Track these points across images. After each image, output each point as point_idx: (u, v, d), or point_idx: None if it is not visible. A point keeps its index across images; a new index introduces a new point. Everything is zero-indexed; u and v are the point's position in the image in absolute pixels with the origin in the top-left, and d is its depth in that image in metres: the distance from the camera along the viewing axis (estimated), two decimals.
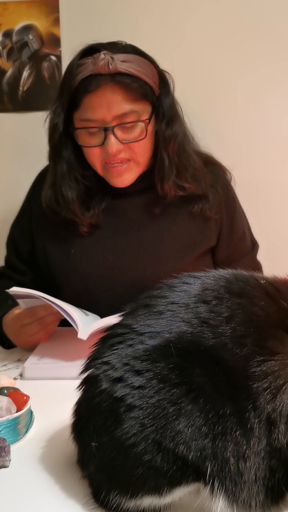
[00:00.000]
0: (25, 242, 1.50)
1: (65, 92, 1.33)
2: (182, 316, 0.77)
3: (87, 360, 0.82)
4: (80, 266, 1.42)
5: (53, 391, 1.12)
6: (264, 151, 1.67)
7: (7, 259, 1.55)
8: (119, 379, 0.74)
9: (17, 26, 1.69)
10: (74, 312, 1.25)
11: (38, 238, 1.48)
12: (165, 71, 1.39)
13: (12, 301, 1.38)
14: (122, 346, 0.77)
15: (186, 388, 0.71)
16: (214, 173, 1.47)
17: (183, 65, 1.51)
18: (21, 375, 1.22)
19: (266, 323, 0.76)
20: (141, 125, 1.32)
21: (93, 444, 0.74)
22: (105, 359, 0.77)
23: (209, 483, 0.69)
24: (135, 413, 0.71)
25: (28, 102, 1.73)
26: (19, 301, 1.34)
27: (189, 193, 1.40)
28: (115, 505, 0.73)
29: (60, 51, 1.69)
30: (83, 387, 0.80)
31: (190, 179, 1.39)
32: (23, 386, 1.03)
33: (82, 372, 0.81)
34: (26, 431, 0.96)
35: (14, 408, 0.95)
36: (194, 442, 0.69)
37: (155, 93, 1.36)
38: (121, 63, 1.28)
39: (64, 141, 1.37)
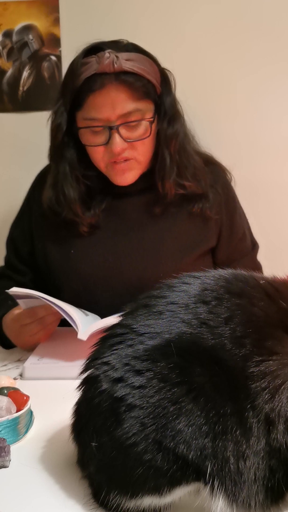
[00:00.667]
0: (25, 242, 1.50)
1: (68, 91, 1.33)
2: (182, 316, 0.77)
3: (87, 360, 0.82)
4: (80, 266, 1.42)
5: (53, 391, 1.12)
6: (264, 151, 1.67)
7: (7, 259, 1.55)
8: (119, 379, 0.74)
9: (17, 26, 1.69)
10: (74, 313, 1.25)
11: (38, 238, 1.48)
12: (166, 69, 1.39)
13: (12, 301, 1.38)
14: (122, 346, 0.77)
15: (186, 387, 0.71)
16: (214, 173, 1.47)
17: (183, 65, 1.51)
18: (21, 375, 1.22)
19: (266, 323, 0.76)
20: (144, 123, 1.33)
21: (93, 444, 0.74)
22: (105, 360, 0.77)
23: (209, 483, 0.69)
24: (136, 413, 0.71)
25: (28, 102, 1.73)
26: (19, 301, 1.34)
27: (189, 192, 1.40)
28: (115, 505, 0.73)
29: (60, 51, 1.69)
30: (83, 387, 0.80)
31: (191, 178, 1.39)
32: (23, 386, 1.03)
33: (82, 372, 0.81)
34: (26, 431, 0.96)
35: (14, 408, 0.95)
36: (194, 441, 0.69)
37: (157, 92, 1.36)
38: (126, 62, 1.28)
39: (67, 141, 1.37)
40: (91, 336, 1.20)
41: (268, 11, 1.61)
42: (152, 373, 0.72)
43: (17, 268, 1.51)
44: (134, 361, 0.74)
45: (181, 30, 1.64)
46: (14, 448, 0.91)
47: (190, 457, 0.69)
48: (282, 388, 0.71)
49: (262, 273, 1.33)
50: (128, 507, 0.73)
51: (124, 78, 1.28)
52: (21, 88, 1.72)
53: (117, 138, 1.30)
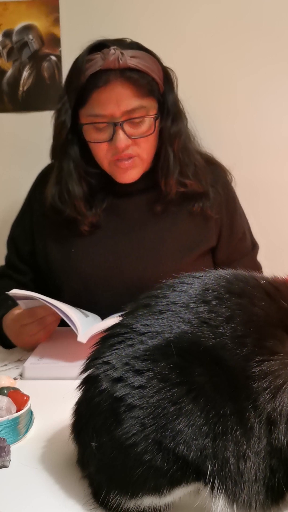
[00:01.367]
0: (26, 241, 1.50)
1: (73, 88, 1.32)
2: (182, 316, 0.77)
3: (87, 360, 0.82)
4: (80, 266, 1.42)
5: (53, 391, 1.12)
6: (264, 151, 1.67)
7: (8, 258, 1.55)
8: (119, 379, 0.73)
9: (17, 26, 1.69)
10: (74, 315, 1.25)
11: (39, 237, 1.48)
12: (168, 68, 1.40)
13: (12, 301, 1.38)
14: (122, 346, 0.77)
15: (186, 387, 0.71)
16: (214, 173, 1.47)
17: (183, 65, 1.51)
18: (21, 375, 1.22)
19: (266, 323, 0.76)
20: (149, 120, 1.33)
21: (93, 444, 0.74)
22: (105, 359, 0.77)
23: (209, 483, 0.69)
24: (135, 413, 0.71)
25: (28, 102, 1.73)
26: (19, 302, 1.34)
27: (190, 190, 1.40)
28: (115, 505, 0.73)
29: (60, 51, 1.69)
30: (83, 387, 0.80)
31: (192, 176, 1.40)
32: (23, 386, 1.03)
33: (82, 372, 0.81)
34: (26, 431, 0.96)
35: (14, 408, 0.95)
36: (194, 441, 0.69)
37: (160, 90, 1.36)
38: (131, 59, 1.28)
39: (70, 138, 1.37)
40: (91, 337, 1.20)
41: (268, 11, 1.61)
42: (152, 373, 0.72)
43: (17, 267, 1.51)
44: (134, 361, 0.74)
45: (181, 30, 1.64)
46: (14, 448, 0.91)
47: (190, 457, 0.69)
48: (283, 387, 0.71)
49: (262, 273, 1.33)
50: (128, 507, 0.73)
51: (129, 74, 1.28)
52: (21, 88, 1.72)
53: (121, 135, 1.30)
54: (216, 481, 0.69)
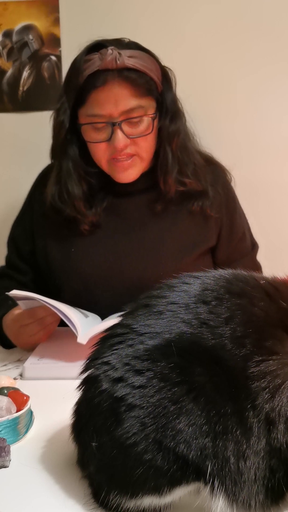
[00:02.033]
0: (26, 241, 1.50)
1: (71, 88, 1.33)
2: (182, 316, 0.77)
3: (87, 360, 0.82)
4: (80, 266, 1.42)
5: (53, 391, 1.12)
6: (264, 151, 1.67)
7: (8, 258, 1.56)
8: (119, 379, 0.74)
9: (17, 26, 1.69)
10: (73, 316, 1.25)
11: (39, 237, 1.48)
12: (167, 67, 1.40)
13: (12, 301, 1.38)
14: (122, 346, 0.77)
15: (186, 387, 0.71)
16: (214, 173, 1.47)
17: (183, 65, 1.51)
18: (21, 375, 1.22)
19: (266, 323, 0.76)
20: (147, 120, 1.33)
21: (93, 444, 0.74)
22: (105, 359, 0.77)
23: (209, 483, 0.69)
24: (136, 413, 0.71)
25: (28, 102, 1.73)
26: (19, 302, 1.34)
27: (189, 189, 1.40)
28: (115, 505, 0.73)
29: (60, 51, 1.69)
30: (83, 387, 0.80)
31: (191, 175, 1.40)
32: (23, 386, 1.03)
33: (82, 372, 0.81)
34: (26, 431, 0.96)
35: (14, 408, 0.95)
36: (194, 441, 0.69)
37: (158, 89, 1.37)
38: (128, 59, 1.28)
39: (69, 138, 1.37)
40: (91, 338, 1.20)
41: (268, 11, 1.61)
42: (152, 372, 0.72)
43: (18, 267, 1.51)
44: (134, 361, 0.74)
45: (181, 30, 1.64)
46: (14, 448, 0.91)
47: (190, 457, 0.69)
48: (282, 387, 0.71)
49: (262, 273, 1.33)
50: (128, 507, 0.73)
51: (127, 74, 1.29)
52: (21, 88, 1.72)
53: (119, 134, 1.30)
54: (216, 481, 0.69)
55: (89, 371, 0.79)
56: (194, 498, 0.72)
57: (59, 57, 1.69)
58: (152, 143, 1.38)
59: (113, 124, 1.30)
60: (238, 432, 0.69)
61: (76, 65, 1.32)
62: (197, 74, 1.64)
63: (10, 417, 0.93)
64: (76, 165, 1.39)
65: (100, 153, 1.35)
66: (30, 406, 0.98)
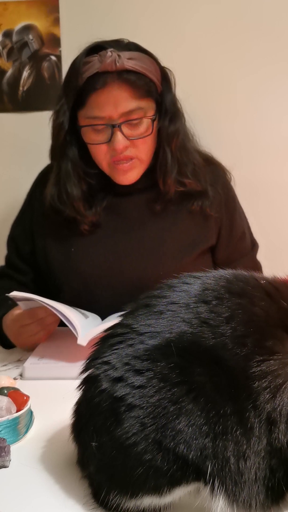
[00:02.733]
0: (26, 241, 1.50)
1: (71, 90, 1.33)
2: (182, 316, 0.77)
3: (87, 360, 0.82)
4: (80, 265, 1.42)
5: (53, 391, 1.12)
6: (264, 151, 1.67)
7: (8, 258, 1.55)
8: (119, 379, 0.73)
9: (17, 26, 1.69)
10: (73, 317, 1.25)
11: (39, 237, 1.48)
12: (166, 68, 1.40)
13: (12, 301, 1.38)
14: (122, 346, 0.77)
15: (186, 387, 0.71)
16: (214, 173, 1.47)
17: (183, 65, 1.51)
18: (21, 375, 1.22)
19: (266, 323, 0.76)
20: (147, 121, 1.33)
21: (93, 444, 0.74)
22: (105, 359, 0.77)
23: (209, 483, 0.69)
24: (136, 413, 0.71)
25: (28, 102, 1.73)
26: (19, 302, 1.34)
27: (189, 189, 1.40)
28: (115, 505, 0.73)
29: (60, 51, 1.69)
30: (83, 387, 0.80)
31: (190, 175, 1.40)
32: (23, 386, 1.03)
33: (82, 372, 0.81)
34: (26, 431, 0.96)
35: (14, 408, 0.95)
36: (194, 441, 0.69)
37: (158, 90, 1.37)
38: (128, 61, 1.28)
39: (69, 139, 1.37)
40: (91, 339, 1.19)
41: (268, 11, 1.61)
42: (152, 372, 0.72)
43: (18, 267, 1.51)
44: (134, 360, 0.74)
45: (181, 30, 1.64)
46: (14, 448, 0.91)
47: (190, 457, 0.69)
48: (283, 387, 0.71)
49: (262, 272, 1.33)
50: (128, 507, 0.73)
51: (126, 76, 1.29)
52: (21, 88, 1.72)
53: (119, 136, 1.30)
54: (216, 481, 0.69)
55: (89, 371, 0.79)
56: (194, 498, 0.72)
57: (59, 57, 1.69)
58: (151, 144, 1.38)
59: (113, 126, 1.30)
60: (238, 432, 0.69)
61: (75, 67, 1.32)
62: (197, 74, 1.64)
63: (10, 417, 0.93)
64: (75, 166, 1.39)
65: (101, 155, 1.36)
66: (30, 406, 0.98)
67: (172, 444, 0.69)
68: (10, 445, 0.90)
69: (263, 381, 0.71)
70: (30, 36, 1.69)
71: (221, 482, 0.69)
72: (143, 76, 1.31)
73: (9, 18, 1.68)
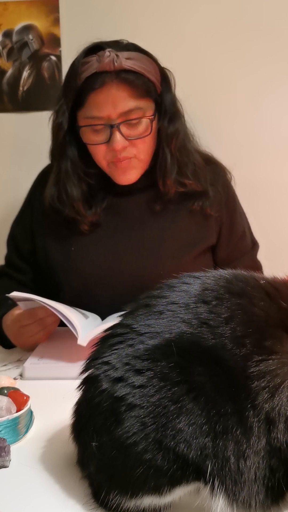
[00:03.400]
0: (26, 240, 1.50)
1: (70, 90, 1.33)
2: (182, 316, 0.77)
3: (87, 360, 0.82)
4: (80, 265, 1.42)
5: (53, 391, 1.12)
6: (264, 151, 1.67)
7: (8, 258, 1.55)
8: (119, 379, 0.74)
9: (17, 26, 1.69)
10: (74, 317, 1.25)
11: (38, 236, 1.48)
12: (166, 68, 1.40)
13: (12, 301, 1.38)
14: (122, 346, 0.77)
15: (187, 387, 0.71)
16: (214, 172, 1.47)
17: (183, 65, 1.51)
18: (21, 375, 1.22)
19: (266, 323, 0.76)
20: (145, 121, 1.33)
21: (93, 444, 0.74)
22: (105, 359, 0.77)
23: (209, 482, 0.69)
24: (136, 412, 0.71)
25: (28, 102, 1.73)
26: (19, 303, 1.34)
27: (189, 189, 1.40)
28: (115, 505, 0.73)
29: (60, 51, 1.69)
30: (83, 387, 0.80)
31: (191, 176, 1.40)
32: (23, 386, 1.03)
33: (82, 372, 0.81)
34: (26, 431, 0.96)
35: (14, 408, 0.95)
36: (194, 441, 0.69)
37: (157, 90, 1.37)
38: (126, 60, 1.28)
39: (68, 139, 1.38)
40: (91, 339, 1.20)
41: (268, 11, 1.61)
42: (152, 372, 0.72)
43: (17, 266, 1.51)
44: (134, 360, 0.74)
45: (181, 30, 1.64)
46: (14, 448, 0.91)
47: (190, 456, 0.69)
48: (282, 387, 0.71)
49: (262, 272, 1.33)
50: (128, 507, 0.73)
51: (124, 76, 1.29)
52: (21, 88, 1.72)
53: (118, 136, 1.30)
54: (216, 481, 0.69)
55: (89, 371, 0.79)
56: (194, 498, 0.72)
57: (59, 57, 1.69)
58: (151, 144, 1.38)
59: (112, 126, 1.30)
60: (238, 432, 0.69)
61: (74, 67, 1.32)
62: (197, 74, 1.64)
63: (10, 417, 0.93)
64: (75, 166, 1.39)
65: (100, 155, 1.36)
66: (30, 406, 0.98)
67: (172, 443, 0.69)
68: (10, 445, 0.90)
69: (261, 381, 0.71)
70: (30, 36, 1.69)
71: (221, 481, 0.69)
72: (142, 76, 1.31)
73: (9, 18, 1.68)
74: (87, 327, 1.25)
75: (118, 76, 1.28)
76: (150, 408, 0.70)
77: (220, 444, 0.69)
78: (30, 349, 1.34)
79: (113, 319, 1.08)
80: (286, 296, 0.79)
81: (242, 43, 1.63)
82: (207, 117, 1.60)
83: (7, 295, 1.30)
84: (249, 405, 0.70)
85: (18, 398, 0.97)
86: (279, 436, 0.70)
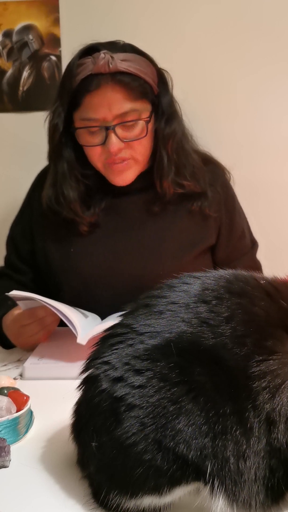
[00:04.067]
0: (25, 241, 1.50)
1: (65, 92, 1.33)
2: (182, 316, 0.77)
3: (87, 360, 0.82)
4: (80, 265, 1.42)
5: (53, 391, 1.12)
6: (264, 151, 1.67)
7: (7, 258, 1.55)
8: (119, 379, 0.74)
9: (17, 26, 1.69)
10: (73, 317, 1.25)
11: (38, 237, 1.48)
12: (163, 69, 1.40)
13: (11, 301, 1.38)
14: (122, 345, 0.77)
15: (186, 387, 0.71)
16: (213, 172, 1.47)
17: (183, 65, 1.51)
18: (21, 375, 1.22)
19: (266, 323, 0.76)
20: (141, 123, 1.33)
21: (93, 444, 0.74)
22: (105, 359, 0.77)
23: (209, 483, 0.69)
24: (135, 412, 0.71)
25: (28, 102, 1.73)
26: (19, 302, 1.34)
27: (188, 190, 1.40)
28: (115, 505, 0.73)
29: (60, 51, 1.69)
30: (83, 387, 0.80)
31: (189, 177, 1.40)
32: (23, 386, 1.03)
33: (82, 372, 0.81)
34: (26, 431, 0.96)
35: (14, 408, 0.95)
36: (194, 441, 0.69)
37: (154, 92, 1.36)
38: (121, 62, 1.28)
39: (64, 141, 1.37)
40: (91, 339, 1.20)
41: (268, 11, 1.61)
42: (152, 372, 0.72)
43: (17, 267, 1.51)
44: (134, 360, 0.74)
45: (181, 30, 1.64)
46: (14, 448, 0.91)
47: (190, 456, 0.69)
48: (282, 387, 0.71)
49: (262, 272, 1.33)
50: (128, 507, 0.73)
51: (120, 78, 1.28)
52: (21, 88, 1.72)
53: (113, 138, 1.30)
54: (216, 481, 0.69)
55: (89, 371, 0.79)
56: (194, 498, 0.72)
57: (59, 57, 1.69)
58: (147, 146, 1.37)
59: (107, 128, 1.30)
60: (238, 432, 0.69)
61: (69, 69, 1.32)
62: (196, 74, 1.64)
63: (10, 417, 0.93)
64: (71, 167, 1.39)
65: (96, 156, 1.36)
66: (30, 406, 0.98)
67: (172, 443, 0.69)
68: (10, 445, 0.90)
69: (262, 381, 0.71)
70: (30, 36, 1.69)
71: (220, 481, 0.69)
72: (138, 77, 1.31)
73: (9, 18, 1.69)
74: (86, 326, 1.25)
75: (113, 78, 1.28)
76: (150, 409, 0.70)
77: (220, 444, 0.69)
78: (30, 349, 1.33)
79: (113, 319, 1.08)
80: (286, 296, 0.79)
81: (242, 43, 1.63)
82: (207, 117, 1.60)
83: (6, 294, 1.29)
84: (249, 406, 0.70)
85: (18, 398, 0.97)
86: (279, 436, 0.70)
